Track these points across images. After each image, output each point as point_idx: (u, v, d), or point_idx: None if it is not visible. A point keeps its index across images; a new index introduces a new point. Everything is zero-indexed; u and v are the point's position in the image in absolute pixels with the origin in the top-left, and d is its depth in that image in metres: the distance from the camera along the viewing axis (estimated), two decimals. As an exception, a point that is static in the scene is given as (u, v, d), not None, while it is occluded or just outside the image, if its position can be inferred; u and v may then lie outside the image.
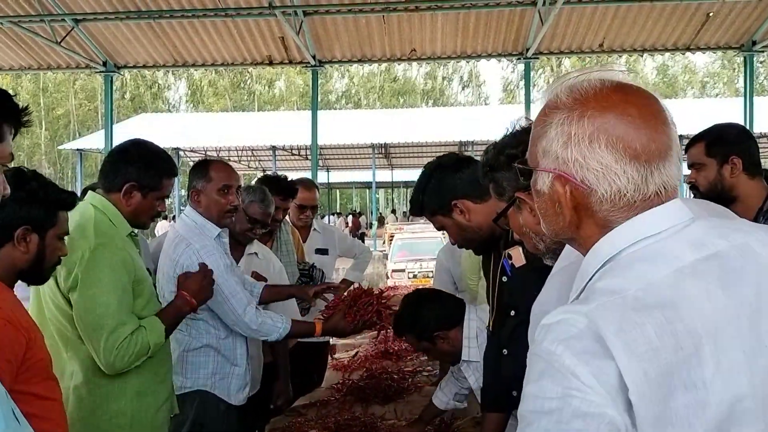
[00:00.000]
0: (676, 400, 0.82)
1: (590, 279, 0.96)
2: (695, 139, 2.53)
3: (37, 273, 1.89)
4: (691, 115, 17.24)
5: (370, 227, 26.49)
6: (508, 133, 1.63)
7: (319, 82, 11.77)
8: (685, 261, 0.90)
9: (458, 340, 2.49)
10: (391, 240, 15.17)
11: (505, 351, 2.00)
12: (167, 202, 2.52)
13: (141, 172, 2.35)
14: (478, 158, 2.16)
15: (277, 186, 3.72)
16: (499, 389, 2.03)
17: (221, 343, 2.80)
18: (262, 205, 3.29)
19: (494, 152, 1.63)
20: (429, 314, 2.56)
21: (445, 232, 2.29)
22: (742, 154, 2.41)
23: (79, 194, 2.66)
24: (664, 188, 0.94)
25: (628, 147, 0.92)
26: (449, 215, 2.14)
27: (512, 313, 1.94)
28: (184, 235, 2.73)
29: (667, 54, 10.62)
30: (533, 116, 1.60)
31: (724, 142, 2.46)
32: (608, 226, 0.96)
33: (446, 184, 2.13)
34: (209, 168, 2.79)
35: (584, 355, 0.83)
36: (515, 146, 1.54)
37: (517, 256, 1.90)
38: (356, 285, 3.22)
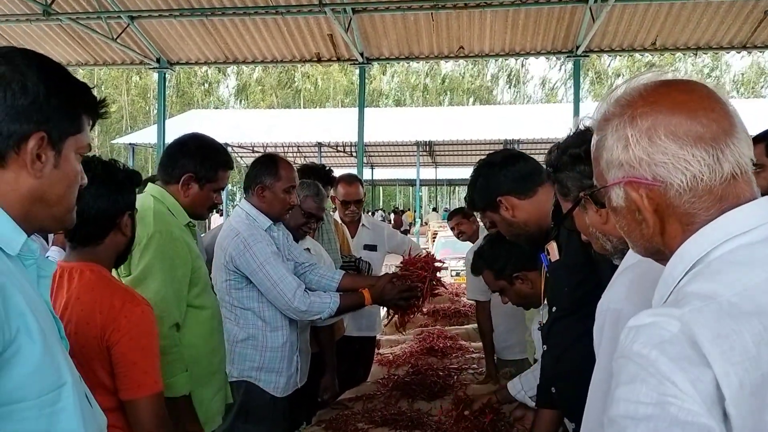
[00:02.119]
0: None
1: (678, 283, 0.92)
2: (755, 140, 2.47)
3: (126, 254, 1.97)
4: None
5: (414, 224, 26.46)
6: (571, 133, 1.63)
7: (366, 81, 11.80)
8: None
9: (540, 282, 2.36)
10: (435, 238, 15.14)
11: (544, 347, 1.99)
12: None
13: (198, 164, 2.42)
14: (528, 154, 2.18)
15: (317, 175, 3.78)
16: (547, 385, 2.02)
17: (268, 336, 2.84)
18: (317, 199, 3.35)
19: (558, 153, 1.63)
20: (509, 252, 2.48)
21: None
22: None
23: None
24: (739, 168, 0.92)
25: (688, 131, 0.91)
26: (497, 211, 2.17)
27: (553, 309, 1.95)
28: (235, 226, 2.85)
29: (723, 52, 10.33)
30: (582, 114, 1.61)
31: None
32: (693, 221, 0.93)
33: (492, 182, 2.17)
34: (279, 167, 2.90)
35: (681, 361, 0.79)
36: (578, 146, 1.54)
37: (553, 251, 1.91)
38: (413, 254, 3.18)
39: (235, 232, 2.81)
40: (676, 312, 0.83)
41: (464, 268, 11.09)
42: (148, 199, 2.37)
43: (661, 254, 1.00)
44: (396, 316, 3.10)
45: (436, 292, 3.06)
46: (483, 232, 5.26)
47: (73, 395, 1.10)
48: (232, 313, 2.83)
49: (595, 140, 1.03)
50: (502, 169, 2.16)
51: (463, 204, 5.89)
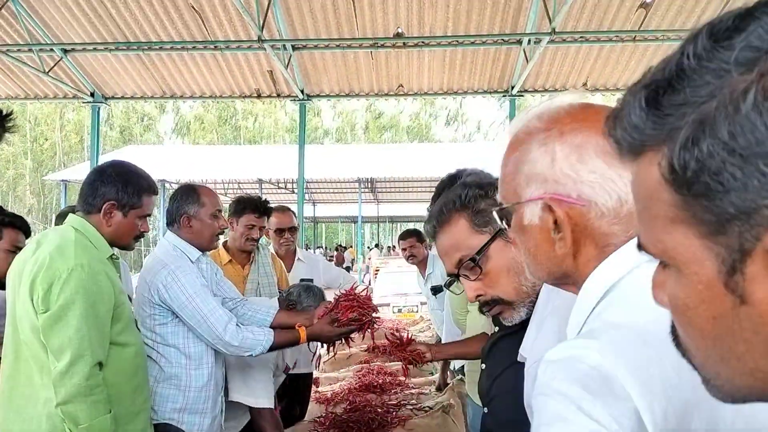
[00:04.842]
0: None
1: (592, 311, 0.88)
2: None
3: None
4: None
5: (356, 261, 26.40)
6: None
7: (306, 118, 11.81)
8: None
9: None
10: (377, 274, 15.11)
11: (483, 365, 1.96)
12: (151, 228, 2.49)
13: (120, 191, 2.33)
14: None
15: (252, 204, 3.76)
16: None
17: (192, 374, 2.71)
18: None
19: (468, 188, 1.55)
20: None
21: None
22: None
23: (54, 218, 2.62)
24: None
25: None
26: None
27: (497, 328, 1.93)
28: (161, 258, 2.74)
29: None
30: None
31: None
32: (610, 243, 0.89)
33: None
34: (200, 194, 2.83)
35: (602, 396, 0.75)
36: (480, 182, 1.53)
37: None
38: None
39: (161, 264, 2.70)
40: (593, 344, 0.79)
41: (406, 305, 11.14)
42: (69, 230, 2.26)
43: (567, 278, 0.96)
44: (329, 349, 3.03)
45: (373, 329, 2.97)
46: (432, 260, 5.29)
47: None
48: (154, 350, 2.69)
49: (513, 156, 0.98)
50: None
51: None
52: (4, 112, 1.15)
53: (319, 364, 3.21)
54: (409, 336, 2.82)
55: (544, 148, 0.93)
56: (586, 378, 0.76)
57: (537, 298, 1.46)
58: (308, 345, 3.23)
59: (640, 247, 0.57)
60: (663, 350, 0.75)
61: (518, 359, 1.34)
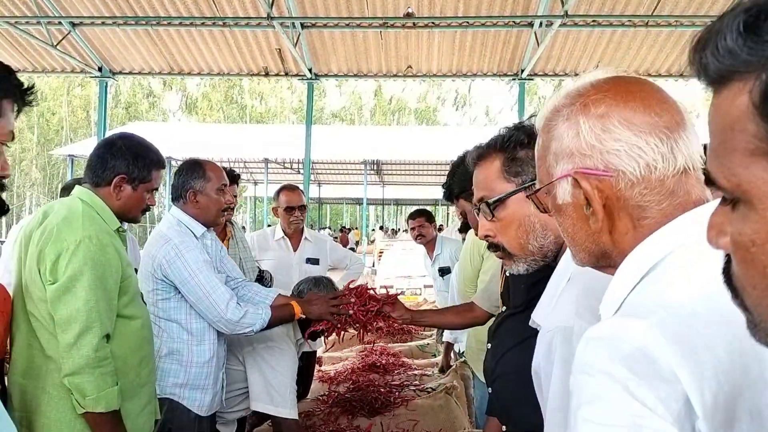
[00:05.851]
0: (740, 428, 0.72)
1: (633, 288, 0.85)
2: None
3: None
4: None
5: (360, 243, 26.44)
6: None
7: (313, 98, 11.75)
8: None
9: None
10: (381, 256, 15.15)
11: (488, 345, 1.96)
12: (157, 200, 2.48)
13: (130, 165, 2.31)
14: None
15: None
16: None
17: (193, 350, 2.71)
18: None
19: (514, 130, 1.54)
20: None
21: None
22: None
23: (60, 191, 2.60)
24: (692, 163, 0.87)
25: (643, 119, 0.87)
26: (469, 200, 2.19)
27: (504, 309, 1.93)
28: (165, 233, 2.73)
29: (661, 80, 10.69)
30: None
31: None
32: (644, 216, 0.87)
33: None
34: (206, 168, 2.82)
35: (646, 377, 0.72)
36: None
37: None
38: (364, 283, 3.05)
39: (165, 239, 2.69)
40: (640, 323, 0.76)
41: (409, 287, 11.13)
42: (76, 202, 2.25)
43: (606, 258, 0.94)
44: (327, 331, 2.97)
45: (378, 321, 2.89)
46: (440, 240, 5.29)
47: None
48: (156, 325, 2.67)
49: (541, 138, 0.97)
50: None
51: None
52: (25, 86, 1.14)
53: (320, 362, 3.19)
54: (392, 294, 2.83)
55: (568, 123, 0.92)
56: (630, 359, 0.74)
57: (547, 263, 1.46)
58: (305, 339, 3.19)
59: (708, 181, 0.56)
60: (714, 333, 0.73)
61: (530, 324, 1.35)
